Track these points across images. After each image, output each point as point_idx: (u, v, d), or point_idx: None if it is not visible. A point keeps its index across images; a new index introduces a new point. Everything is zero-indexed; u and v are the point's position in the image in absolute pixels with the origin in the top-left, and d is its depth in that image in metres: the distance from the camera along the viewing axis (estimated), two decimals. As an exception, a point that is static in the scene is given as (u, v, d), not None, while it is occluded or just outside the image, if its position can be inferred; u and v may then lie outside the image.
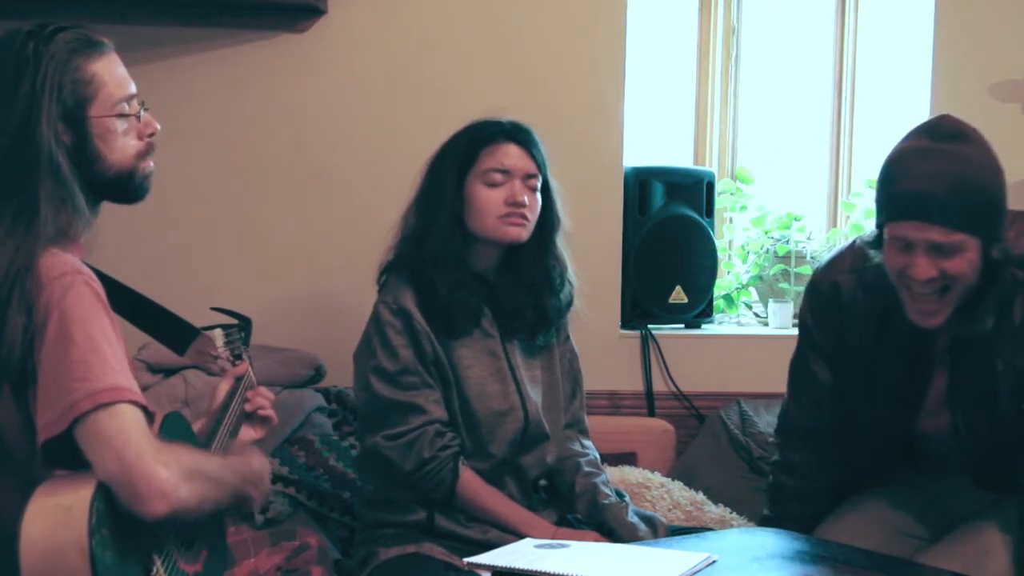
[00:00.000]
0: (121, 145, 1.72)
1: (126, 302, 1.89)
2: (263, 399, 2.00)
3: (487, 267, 2.32)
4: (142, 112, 1.76)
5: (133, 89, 1.75)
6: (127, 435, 1.50)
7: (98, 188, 1.72)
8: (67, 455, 1.53)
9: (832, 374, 2.26)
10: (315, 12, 3.03)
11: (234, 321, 2.07)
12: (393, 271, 2.31)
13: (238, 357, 2.01)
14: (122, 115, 1.72)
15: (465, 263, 2.27)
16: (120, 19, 2.98)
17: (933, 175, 1.93)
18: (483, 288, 2.31)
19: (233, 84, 3.06)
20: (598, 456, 2.45)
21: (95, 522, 1.45)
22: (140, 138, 1.76)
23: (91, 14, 2.93)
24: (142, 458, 1.49)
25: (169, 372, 2.81)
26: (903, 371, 2.17)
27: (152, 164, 1.78)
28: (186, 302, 2.09)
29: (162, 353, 2.75)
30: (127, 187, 1.75)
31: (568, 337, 2.45)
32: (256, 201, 3.09)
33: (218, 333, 2.00)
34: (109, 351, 1.56)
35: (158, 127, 1.79)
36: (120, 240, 2.96)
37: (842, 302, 2.19)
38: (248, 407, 1.97)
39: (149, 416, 1.58)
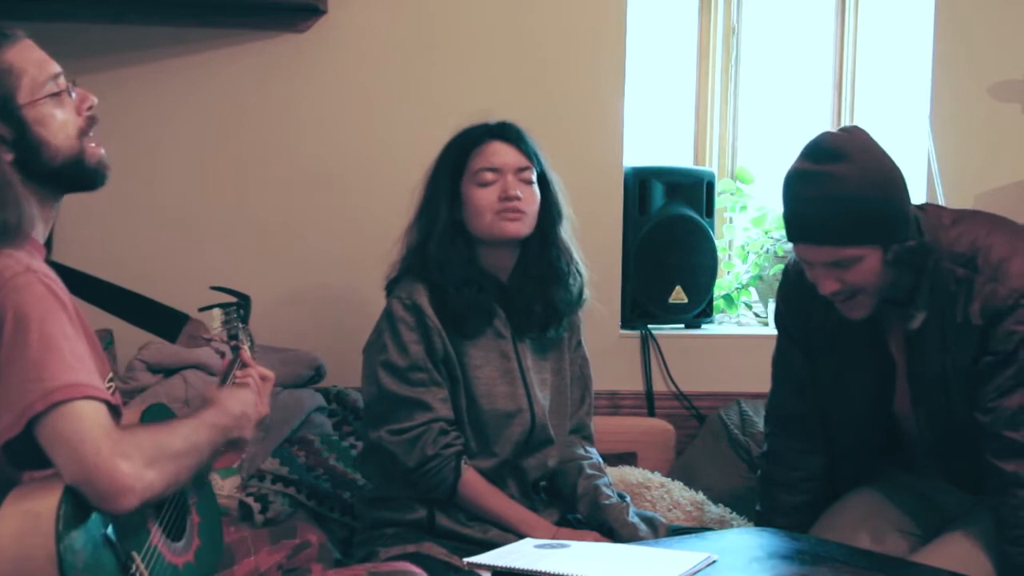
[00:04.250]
0: (61, 125, 1.67)
1: (109, 297, 1.87)
2: (250, 377, 1.91)
3: (498, 269, 2.32)
4: (72, 88, 1.71)
5: (56, 68, 1.70)
6: (83, 433, 1.48)
7: (51, 178, 1.68)
8: (34, 457, 1.51)
9: (806, 361, 2.30)
10: (315, 12, 3.03)
11: (233, 299, 2.07)
12: (403, 277, 2.31)
13: (234, 336, 2.00)
14: (53, 95, 1.67)
15: (471, 263, 2.28)
16: (119, 19, 2.98)
17: (811, 199, 2.01)
18: (495, 288, 2.31)
19: (233, 84, 3.06)
20: (601, 461, 2.46)
21: (62, 528, 1.44)
22: (79, 114, 1.71)
23: (90, 14, 2.94)
24: (100, 455, 1.47)
25: (169, 372, 2.80)
26: (868, 367, 2.21)
27: (103, 150, 1.74)
28: (186, 302, 2.10)
29: (162, 353, 2.77)
30: (80, 171, 1.70)
31: (580, 343, 2.46)
32: (256, 201, 3.09)
33: (216, 312, 2.00)
34: (67, 348, 1.53)
35: (95, 100, 1.73)
36: (120, 240, 2.97)
37: (807, 290, 2.22)
38: (238, 381, 1.93)
39: (115, 410, 1.56)
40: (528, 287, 2.32)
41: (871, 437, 2.29)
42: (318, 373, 2.94)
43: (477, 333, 2.28)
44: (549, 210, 2.33)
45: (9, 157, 1.63)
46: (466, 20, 3.12)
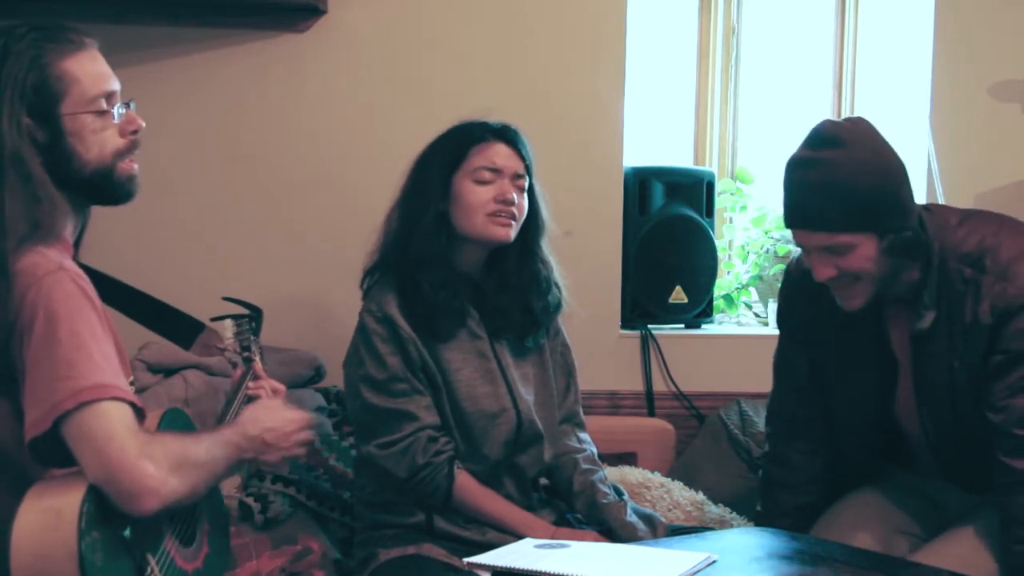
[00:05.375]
0: (98, 142, 1.68)
1: (129, 300, 1.88)
2: (262, 389, 1.96)
3: (472, 268, 2.31)
4: (122, 109, 1.72)
5: (114, 86, 1.71)
6: (109, 433, 1.49)
7: (78, 187, 1.68)
8: (59, 454, 1.52)
9: (807, 362, 2.30)
10: (315, 12, 3.03)
11: (245, 311, 2.07)
12: (377, 274, 2.31)
13: (246, 348, 2.01)
14: (97, 112, 1.67)
15: (449, 263, 2.26)
16: (119, 20, 2.98)
17: (807, 185, 2.02)
18: (468, 289, 2.30)
19: (233, 84, 3.06)
20: (595, 450, 2.44)
21: (84, 525, 1.45)
22: (122, 135, 1.71)
23: (90, 15, 2.93)
24: (126, 455, 1.48)
25: (169, 372, 2.80)
26: (871, 367, 2.20)
27: (136, 166, 1.74)
28: (187, 302, 2.09)
29: (162, 353, 2.77)
30: (107, 186, 1.71)
31: (559, 331, 2.44)
32: (256, 201, 3.09)
33: (228, 323, 2.01)
34: (96, 348, 1.55)
35: (142, 124, 1.74)
36: (120, 241, 2.96)
37: (809, 290, 2.22)
38: (250, 393, 1.96)
39: (140, 412, 1.57)
40: (506, 294, 2.31)
41: (874, 437, 2.28)
42: (318, 373, 2.94)
43: (451, 336, 2.26)
44: (535, 221, 2.33)
45: (39, 159, 1.64)
46: (466, 20, 3.12)
